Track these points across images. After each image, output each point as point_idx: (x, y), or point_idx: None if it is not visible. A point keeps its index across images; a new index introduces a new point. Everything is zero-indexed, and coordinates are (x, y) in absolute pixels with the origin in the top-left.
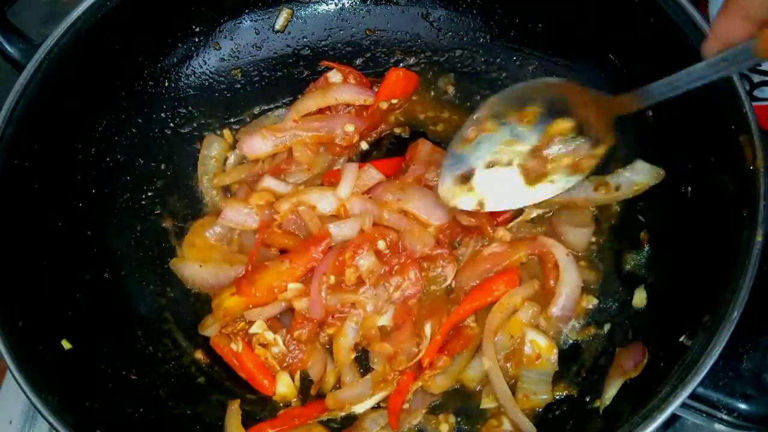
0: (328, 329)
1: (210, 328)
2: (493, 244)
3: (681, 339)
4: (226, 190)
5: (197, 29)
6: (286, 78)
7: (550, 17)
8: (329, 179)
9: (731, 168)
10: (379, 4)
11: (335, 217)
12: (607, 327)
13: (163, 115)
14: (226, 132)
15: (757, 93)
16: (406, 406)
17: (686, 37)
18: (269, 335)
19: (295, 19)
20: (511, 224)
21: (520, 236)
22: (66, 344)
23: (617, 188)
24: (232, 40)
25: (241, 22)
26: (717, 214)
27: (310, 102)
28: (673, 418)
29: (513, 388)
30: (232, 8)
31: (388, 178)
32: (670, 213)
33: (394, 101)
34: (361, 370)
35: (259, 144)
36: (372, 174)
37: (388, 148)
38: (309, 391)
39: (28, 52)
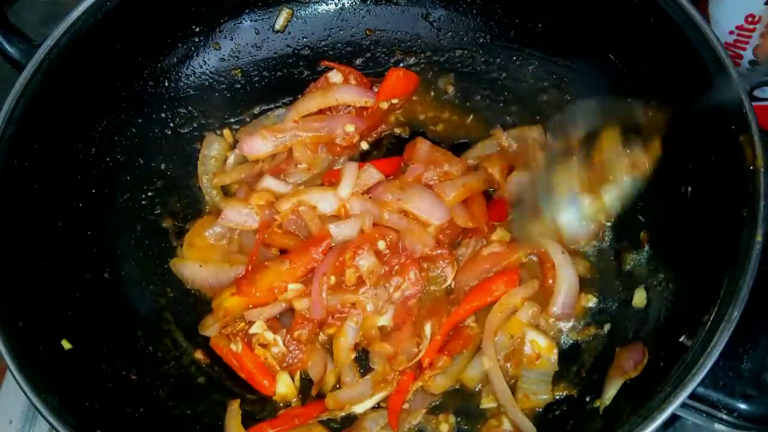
0: (328, 329)
1: (210, 329)
2: (492, 245)
3: (681, 339)
4: (226, 190)
5: (197, 29)
6: (286, 78)
7: (550, 17)
8: (329, 179)
9: (731, 168)
10: (379, 4)
11: (335, 217)
12: (607, 327)
13: (163, 115)
14: (226, 132)
15: (757, 93)
16: (406, 406)
17: (686, 37)
18: (269, 335)
19: (295, 19)
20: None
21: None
22: (66, 344)
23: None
24: (232, 40)
25: (241, 22)
26: (717, 214)
27: (310, 102)
28: (673, 418)
29: (513, 388)
30: (232, 8)
31: (387, 177)
32: (670, 213)
33: (395, 101)
34: (361, 370)
35: (259, 144)
36: (372, 173)
37: (388, 148)
38: (309, 391)
39: (28, 52)
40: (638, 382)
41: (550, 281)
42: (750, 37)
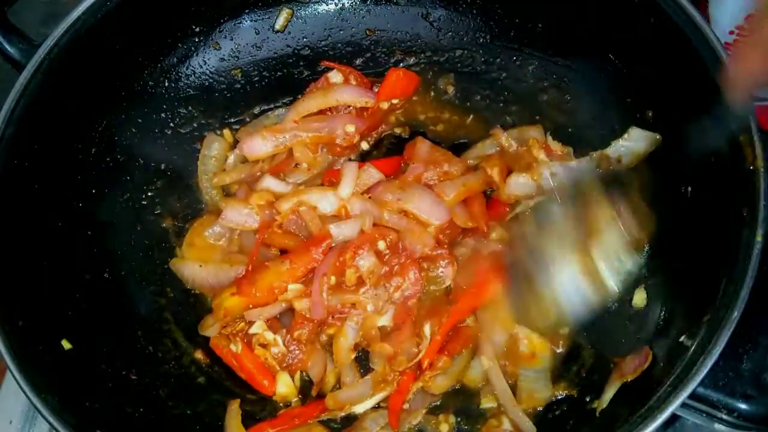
0: (328, 329)
1: (210, 329)
2: (491, 243)
3: (681, 339)
4: (226, 190)
5: (197, 29)
6: (286, 78)
7: (550, 17)
8: (329, 179)
9: (731, 168)
10: (379, 4)
11: (336, 217)
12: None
13: (163, 115)
14: (226, 132)
15: (757, 93)
16: (406, 406)
17: (686, 37)
18: (269, 335)
19: (295, 19)
20: (518, 210)
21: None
22: (66, 344)
23: (619, 160)
24: (232, 40)
25: (241, 22)
26: (717, 214)
27: (310, 103)
28: (673, 418)
29: (513, 389)
30: (232, 8)
31: (387, 177)
32: (670, 213)
33: (395, 101)
34: (361, 371)
35: (259, 145)
36: (372, 173)
37: (389, 149)
38: (309, 391)
39: (28, 52)
40: (638, 383)
41: None
42: None
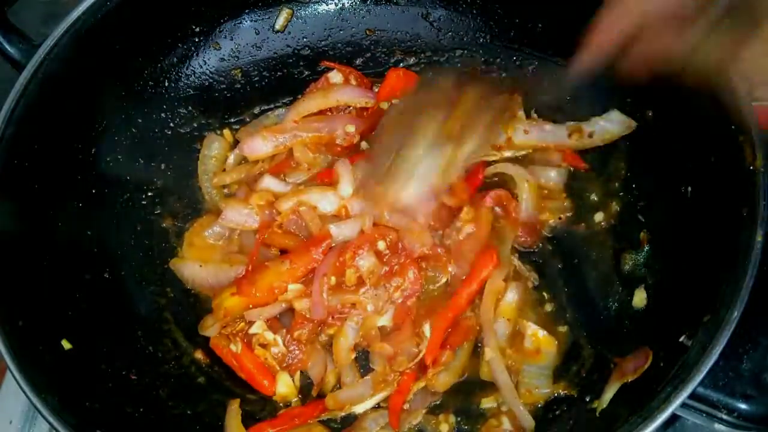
0: (328, 329)
1: (210, 329)
2: (465, 227)
3: (681, 339)
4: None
5: (197, 29)
6: (286, 78)
7: (550, 17)
8: (322, 178)
9: (731, 168)
10: (379, 4)
11: (336, 216)
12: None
13: (163, 115)
14: (226, 132)
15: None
16: (406, 406)
17: None
18: (269, 335)
19: (295, 19)
20: (491, 167)
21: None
22: (66, 344)
23: (590, 135)
24: (232, 40)
25: (241, 22)
26: (717, 214)
27: (310, 103)
28: (673, 418)
29: (514, 384)
30: (232, 8)
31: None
32: (670, 213)
33: (395, 101)
34: (362, 371)
35: (259, 145)
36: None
37: None
38: (309, 391)
39: (28, 52)
40: (637, 383)
41: (512, 208)
42: None
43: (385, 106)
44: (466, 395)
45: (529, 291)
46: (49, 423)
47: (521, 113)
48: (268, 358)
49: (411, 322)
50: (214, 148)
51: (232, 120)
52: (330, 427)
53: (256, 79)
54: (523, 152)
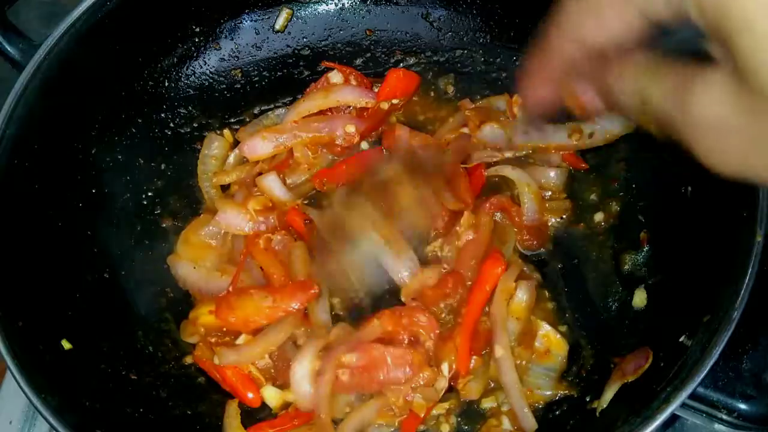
0: None
1: (190, 337)
2: (465, 233)
3: (681, 339)
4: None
5: (197, 29)
6: (286, 78)
7: (550, 17)
8: (321, 177)
9: None
10: (379, 4)
11: None
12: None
13: (163, 115)
14: (226, 132)
15: None
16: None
17: None
18: None
19: (295, 19)
20: (491, 169)
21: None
22: (66, 344)
23: (590, 135)
24: (232, 40)
25: (241, 22)
26: (717, 214)
27: (310, 103)
28: (673, 418)
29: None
30: (232, 8)
31: (372, 168)
32: (670, 213)
33: (395, 101)
34: None
35: (259, 145)
36: None
37: None
38: None
39: (28, 52)
40: (637, 383)
41: (513, 211)
42: None
43: (385, 106)
44: None
45: (538, 290)
46: (49, 423)
47: (521, 114)
48: (253, 371)
49: (429, 367)
50: (214, 147)
51: (232, 120)
52: None
53: (256, 79)
54: (523, 152)
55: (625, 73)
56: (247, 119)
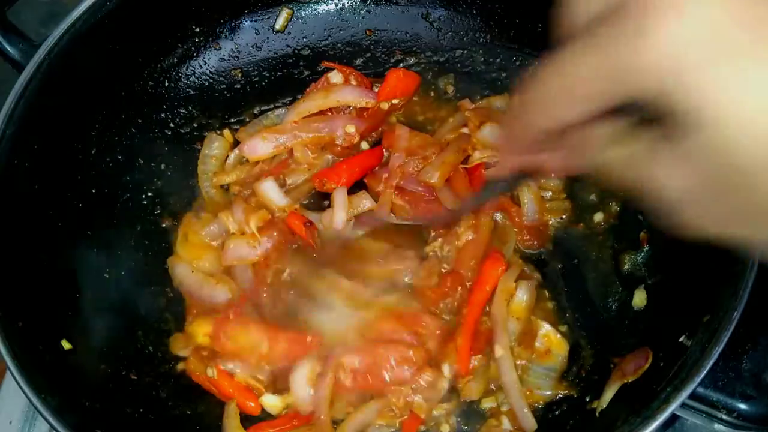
0: None
1: (182, 350)
2: (465, 233)
3: (681, 339)
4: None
5: (197, 29)
6: (286, 78)
7: (550, 17)
8: (320, 178)
9: None
10: (379, 4)
11: None
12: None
13: (163, 115)
14: (226, 132)
15: None
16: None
17: None
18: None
19: (295, 19)
20: (491, 169)
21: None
22: (66, 344)
23: None
24: (232, 40)
25: (241, 22)
26: None
27: (311, 103)
28: (673, 418)
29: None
30: (232, 8)
31: (372, 169)
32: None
33: (395, 101)
34: None
35: (259, 146)
36: (363, 201)
37: None
38: None
39: (28, 52)
40: (638, 383)
41: (513, 212)
42: None
43: (385, 106)
44: None
45: (538, 290)
46: (49, 423)
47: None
48: (251, 381)
49: (429, 368)
50: (214, 147)
51: (232, 120)
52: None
53: (256, 79)
54: None
55: (589, 141)
56: (247, 119)
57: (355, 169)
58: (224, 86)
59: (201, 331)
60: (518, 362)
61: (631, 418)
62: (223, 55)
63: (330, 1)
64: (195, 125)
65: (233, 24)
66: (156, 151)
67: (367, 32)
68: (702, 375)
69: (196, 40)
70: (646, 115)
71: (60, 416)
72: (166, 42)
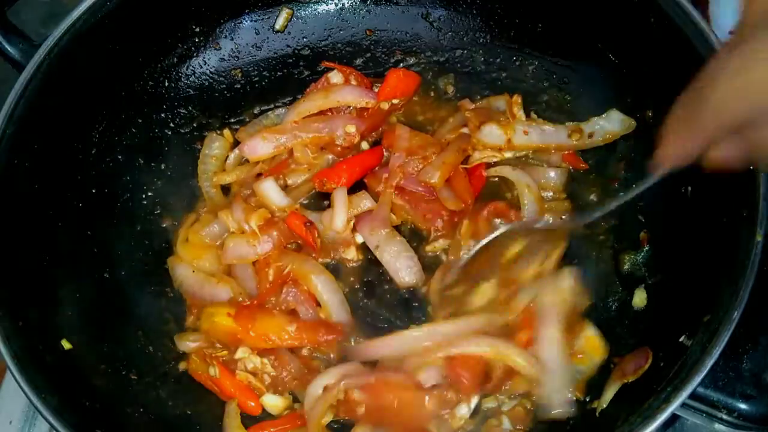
0: None
1: (192, 344)
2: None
3: (681, 339)
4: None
5: (197, 29)
6: (286, 78)
7: (550, 17)
8: (320, 178)
9: None
10: (379, 4)
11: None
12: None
13: (163, 115)
14: (226, 132)
15: None
16: None
17: (686, 37)
18: (255, 360)
19: (295, 19)
20: (492, 169)
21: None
22: (66, 344)
23: (590, 135)
24: (232, 40)
25: (241, 22)
26: (717, 214)
27: (311, 103)
28: (673, 418)
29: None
30: (232, 8)
31: (372, 169)
32: (670, 213)
33: (395, 101)
34: None
35: (260, 146)
36: (362, 200)
37: None
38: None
39: (28, 52)
40: (637, 383)
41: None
42: None
43: (385, 106)
44: None
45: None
46: (49, 423)
47: (521, 114)
48: (252, 381)
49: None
50: (214, 147)
51: (232, 120)
52: (331, 428)
53: (256, 79)
54: (523, 153)
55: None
56: (247, 119)
57: (355, 169)
58: (224, 86)
59: (223, 311)
60: None
61: (631, 417)
62: (223, 55)
63: (330, 1)
64: (195, 125)
65: (233, 24)
66: (156, 151)
67: (367, 32)
68: (702, 375)
69: (196, 40)
70: None
71: (60, 416)
72: (166, 42)
